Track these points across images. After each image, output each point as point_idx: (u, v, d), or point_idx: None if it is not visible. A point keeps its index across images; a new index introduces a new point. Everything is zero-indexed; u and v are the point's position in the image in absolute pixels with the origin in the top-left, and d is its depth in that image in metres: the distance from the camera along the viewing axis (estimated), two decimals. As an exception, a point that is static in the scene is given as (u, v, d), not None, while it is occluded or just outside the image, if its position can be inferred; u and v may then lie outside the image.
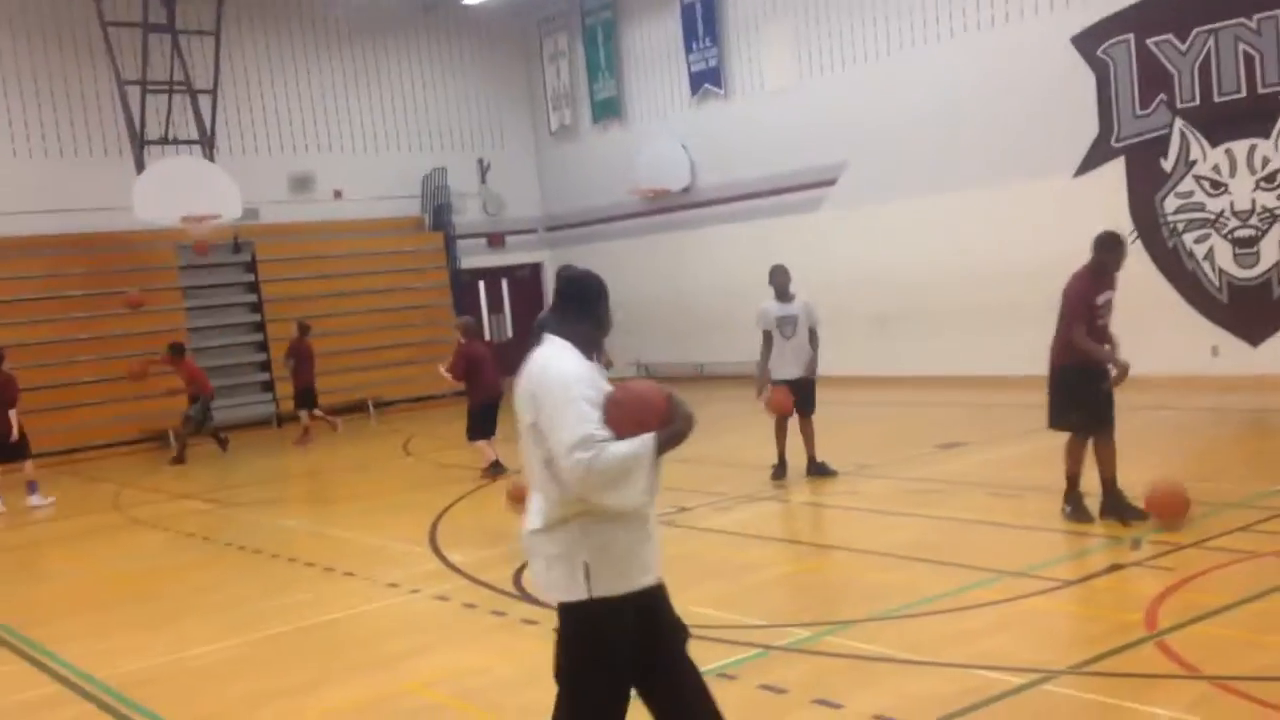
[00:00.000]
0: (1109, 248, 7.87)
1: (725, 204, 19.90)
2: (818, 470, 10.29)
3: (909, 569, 7.04)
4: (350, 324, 20.35)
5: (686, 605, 6.74)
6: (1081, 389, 7.66)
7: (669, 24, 20.47)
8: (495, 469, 12.06)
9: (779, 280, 10.36)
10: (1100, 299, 7.79)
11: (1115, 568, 6.65)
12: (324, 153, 21.44)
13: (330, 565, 8.83)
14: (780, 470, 10.37)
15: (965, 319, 16.05)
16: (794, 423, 10.28)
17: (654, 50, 20.94)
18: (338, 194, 21.47)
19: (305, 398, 16.84)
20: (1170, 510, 7.25)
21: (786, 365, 10.29)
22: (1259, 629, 5.46)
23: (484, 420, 12.09)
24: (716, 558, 8.00)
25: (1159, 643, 5.36)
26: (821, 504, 9.41)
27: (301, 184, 21.18)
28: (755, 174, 19.23)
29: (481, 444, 12.19)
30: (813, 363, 10.31)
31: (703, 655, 5.79)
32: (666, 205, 20.98)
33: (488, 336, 23.57)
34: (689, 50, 20.16)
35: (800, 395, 10.23)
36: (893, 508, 8.87)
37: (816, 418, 10.40)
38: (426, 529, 9.83)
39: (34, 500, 13.32)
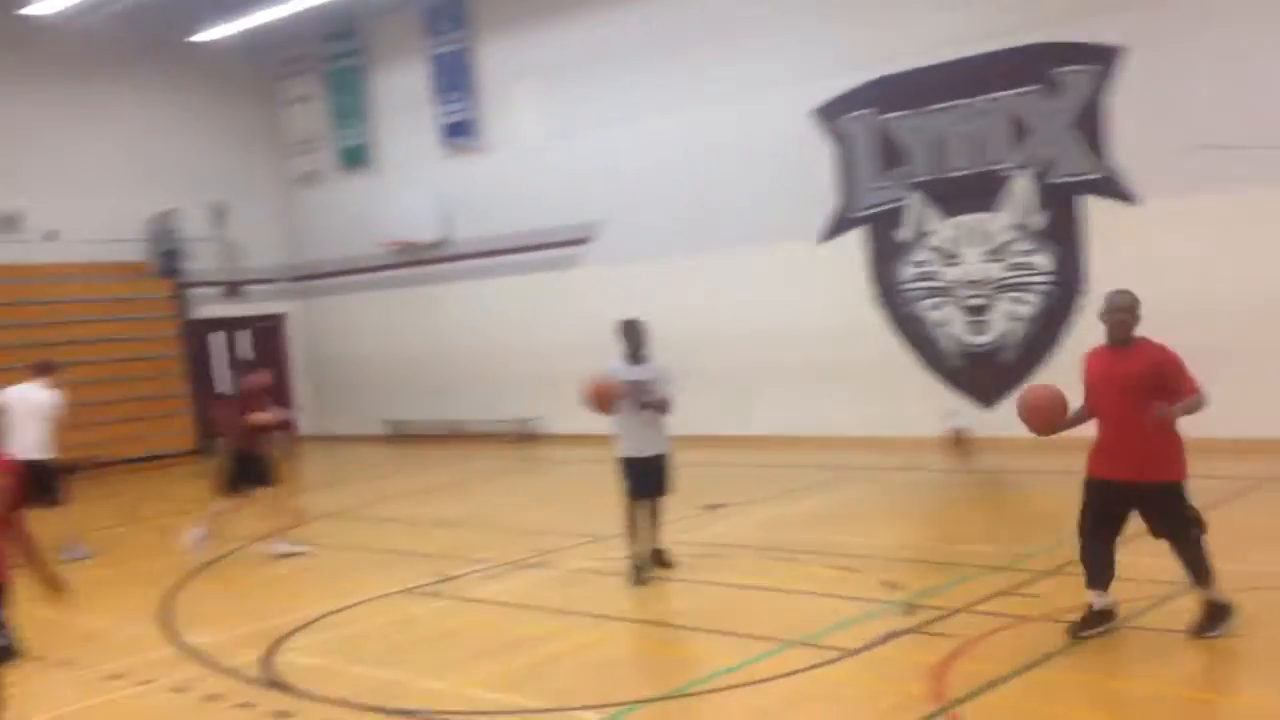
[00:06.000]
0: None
1: (481, 259, 19.54)
2: (659, 561, 8.84)
3: (692, 641, 6.87)
4: (66, 376, 18.59)
5: (461, 687, 6.36)
6: None
7: (418, 73, 20.03)
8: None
9: (631, 338, 8.83)
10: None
11: (892, 635, 6.71)
12: (36, 190, 19.55)
13: (40, 653, 7.73)
14: (641, 569, 8.63)
15: (718, 379, 16.29)
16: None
17: (404, 98, 20.40)
18: (52, 235, 19.63)
19: None
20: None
21: (637, 440, 8.68)
22: (1044, 699, 5.58)
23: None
24: (489, 632, 7.57)
25: (950, 716, 5.38)
26: (596, 570, 9.13)
27: (9, 223, 19.25)
28: (511, 229, 19.00)
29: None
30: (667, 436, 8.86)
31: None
32: (418, 258, 20.41)
33: (227, 389, 22.08)
34: (440, 101, 19.79)
35: (655, 475, 8.73)
36: (668, 574, 8.71)
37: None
38: (156, 607, 8.87)
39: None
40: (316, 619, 8.10)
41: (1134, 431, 6.05)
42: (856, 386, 15.16)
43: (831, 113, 15.34)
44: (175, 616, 8.56)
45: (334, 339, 22.32)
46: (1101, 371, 6.26)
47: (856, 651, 6.45)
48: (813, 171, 15.47)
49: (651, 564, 8.71)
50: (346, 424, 21.82)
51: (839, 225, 15.46)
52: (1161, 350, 6.15)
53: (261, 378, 11.26)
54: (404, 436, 20.82)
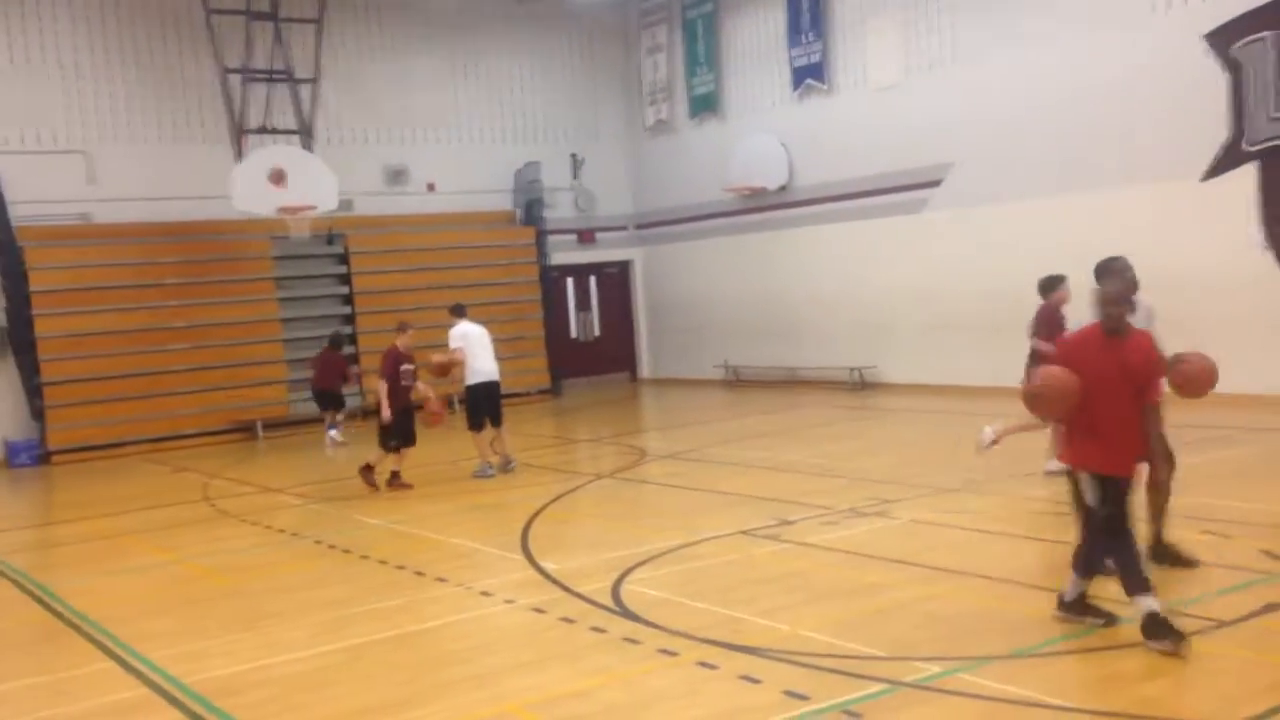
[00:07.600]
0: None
1: (824, 203, 19.35)
2: (1169, 557, 6.99)
3: (1044, 600, 6.49)
4: (438, 318, 20.23)
5: (799, 629, 6.36)
6: None
7: (772, 17, 19.98)
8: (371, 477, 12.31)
9: (1123, 281, 6.31)
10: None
11: (1272, 608, 6.06)
12: (418, 145, 21.34)
13: (421, 569, 8.55)
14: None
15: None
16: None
17: (755, 44, 20.46)
18: (431, 187, 21.36)
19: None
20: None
21: None
22: None
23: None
24: (829, 578, 7.52)
25: (1344, 702, 4.79)
26: (936, 523, 8.86)
27: (396, 176, 21.10)
28: (856, 173, 18.65)
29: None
30: None
31: (822, 688, 5.44)
32: (762, 204, 20.49)
33: (574, 334, 23.29)
34: (792, 44, 19.64)
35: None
36: (1013, 529, 8.32)
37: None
38: (518, 533, 9.52)
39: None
40: (660, 554, 8.38)
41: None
42: (1240, 338, 13.74)
43: (1225, 37, 13.84)
44: (533, 542, 9.14)
45: (675, 284, 22.90)
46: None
47: (1230, 623, 5.88)
48: (1199, 102, 14.06)
49: (1163, 559, 6.97)
50: (685, 368, 22.41)
51: (1228, 161, 13.98)
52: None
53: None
54: (740, 381, 21.11)
